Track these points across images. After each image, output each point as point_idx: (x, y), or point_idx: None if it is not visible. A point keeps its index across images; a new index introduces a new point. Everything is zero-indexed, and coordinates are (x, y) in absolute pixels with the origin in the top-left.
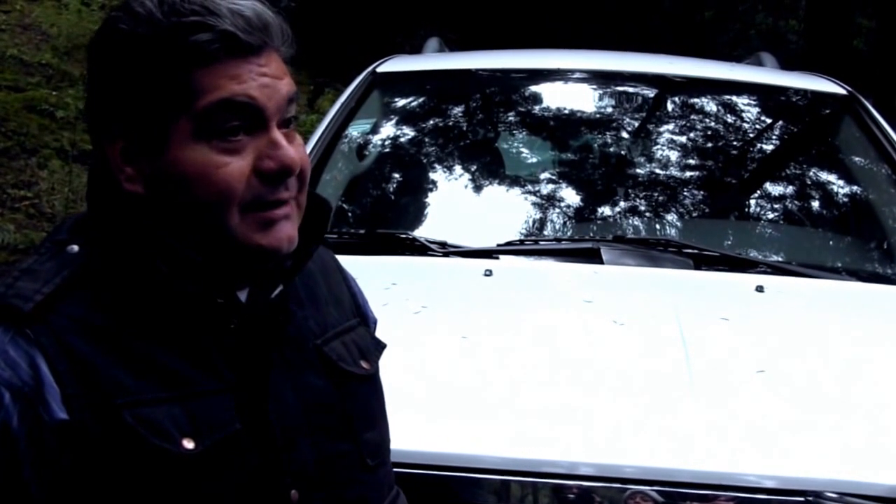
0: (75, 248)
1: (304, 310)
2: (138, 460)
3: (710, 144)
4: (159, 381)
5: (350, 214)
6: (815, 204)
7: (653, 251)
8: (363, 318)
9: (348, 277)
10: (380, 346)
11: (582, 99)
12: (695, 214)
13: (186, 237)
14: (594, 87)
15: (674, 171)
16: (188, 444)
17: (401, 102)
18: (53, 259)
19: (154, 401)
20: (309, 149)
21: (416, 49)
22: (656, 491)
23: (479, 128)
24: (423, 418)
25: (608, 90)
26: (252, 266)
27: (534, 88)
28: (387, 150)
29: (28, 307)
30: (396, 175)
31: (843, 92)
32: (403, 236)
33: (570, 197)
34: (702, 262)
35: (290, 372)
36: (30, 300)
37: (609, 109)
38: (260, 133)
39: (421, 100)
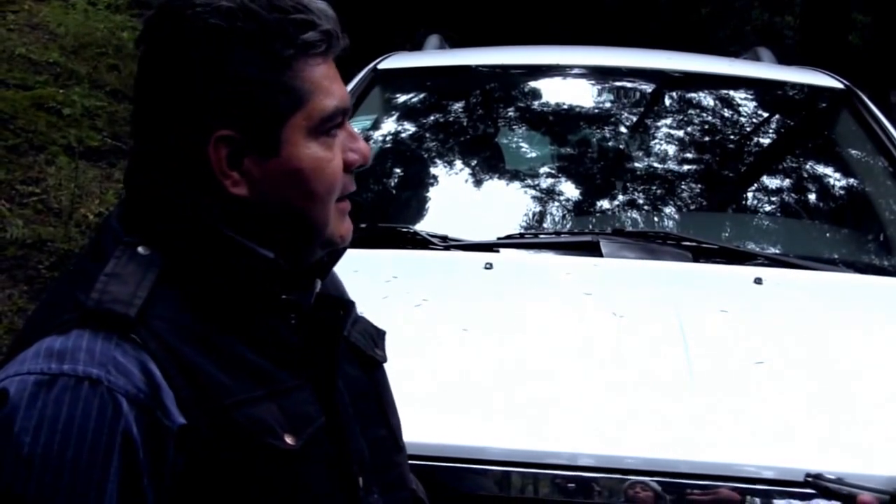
0: (145, 250)
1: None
2: (247, 459)
3: (708, 138)
4: (252, 380)
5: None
6: (813, 197)
7: (652, 244)
8: None
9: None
10: (381, 333)
11: (581, 94)
12: (693, 207)
13: (264, 236)
14: (593, 82)
15: (672, 165)
16: (290, 440)
17: (401, 98)
18: (132, 262)
19: (254, 399)
20: None
21: (416, 46)
22: (656, 481)
23: (479, 123)
24: (424, 410)
25: (607, 85)
26: (314, 259)
27: (533, 84)
28: (388, 145)
29: (132, 312)
30: (397, 170)
31: (841, 86)
32: (404, 230)
33: (570, 191)
34: (700, 254)
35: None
36: (131, 305)
37: (608, 104)
38: (341, 128)
39: (421, 96)
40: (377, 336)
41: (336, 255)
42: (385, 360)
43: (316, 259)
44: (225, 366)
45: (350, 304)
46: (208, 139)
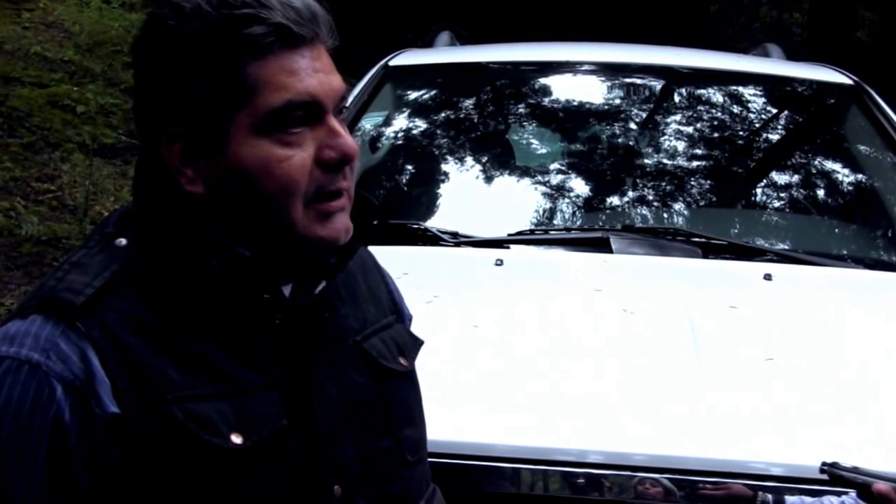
0: (123, 241)
1: (344, 307)
2: (187, 455)
3: (717, 134)
4: (207, 377)
5: None
6: (822, 193)
7: (661, 240)
8: (399, 315)
9: (385, 274)
10: (417, 343)
11: (591, 90)
12: (702, 203)
13: (241, 234)
14: (603, 78)
15: (682, 161)
16: (236, 440)
17: (413, 95)
18: (102, 252)
19: (203, 396)
20: None
21: (427, 43)
22: (665, 478)
23: (489, 120)
24: (435, 407)
25: (616, 82)
26: (303, 260)
27: (543, 81)
28: (399, 141)
29: (79, 301)
30: (408, 166)
31: (850, 82)
32: (415, 227)
33: (580, 187)
34: (710, 250)
35: (333, 369)
36: (80, 294)
37: (617, 101)
38: (318, 124)
39: (432, 92)
40: (409, 346)
41: (345, 255)
42: (407, 370)
43: (312, 260)
44: (178, 361)
45: (334, 308)
46: (163, 137)
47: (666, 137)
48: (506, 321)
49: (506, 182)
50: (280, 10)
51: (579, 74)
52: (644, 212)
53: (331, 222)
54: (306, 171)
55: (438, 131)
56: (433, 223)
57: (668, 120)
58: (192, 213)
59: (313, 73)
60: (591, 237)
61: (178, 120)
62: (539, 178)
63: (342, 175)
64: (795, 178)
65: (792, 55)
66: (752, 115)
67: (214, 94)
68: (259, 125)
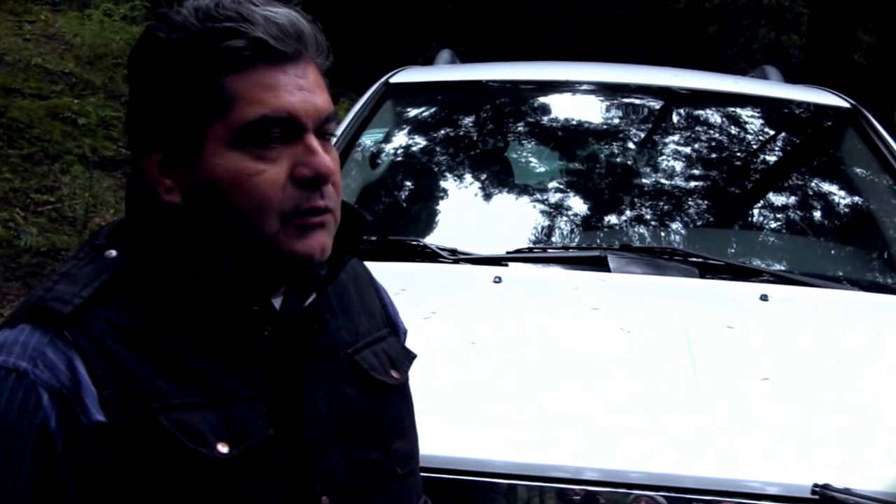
0: (113, 253)
1: (336, 319)
2: (173, 464)
3: (715, 155)
4: (195, 387)
5: None
6: (819, 214)
7: (659, 260)
8: (393, 328)
9: (380, 288)
10: (410, 356)
11: (590, 110)
12: (700, 224)
13: (222, 246)
14: (602, 98)
15: (679, 182)
16: (223, 449)
17: (413, 112)
18: (92, 263)
19: (189, 405)
20: None
21: (428, 60)
22: (661, 496)
23: (489, 137)
24: (432, 423)
25: (615, 101)
26: (285, 273)
27: (543, 99)
28: (399, 158)
29: (66, 310)
30: (408, 183)
31: (847, 105)
32: (414, 243)
33: (578, 206)
34: (707, 270)
35: (323, 380)
36: (68, 303)
37: (616, 120)
38: (296, 141)
39: (432, 110)
40: (401, 359)
41: (335, 268)
42: (398, 383)
43: (304, 272)
44: (166, 370)
45: (323, 320)
46: (144, 147)
47: (664, 158)
48: (503, 338)
49: (504, 200)
50: (262, 26)
51: (578, 94)
52: (642, 231)
53: (307, 238)
54: (278, 187)
55: (438, 148)
56: (432, 240)
57: (667, 140)
58: (174, 223)
59: (295, 90)
60: (589, 256)
61: (158, 130)
62: (538, 196)
63: (320, 194)
64: (792, 199)
65: (790, 77)
66: (749, 137)
67: (191, 104)
68: (233, 138)
